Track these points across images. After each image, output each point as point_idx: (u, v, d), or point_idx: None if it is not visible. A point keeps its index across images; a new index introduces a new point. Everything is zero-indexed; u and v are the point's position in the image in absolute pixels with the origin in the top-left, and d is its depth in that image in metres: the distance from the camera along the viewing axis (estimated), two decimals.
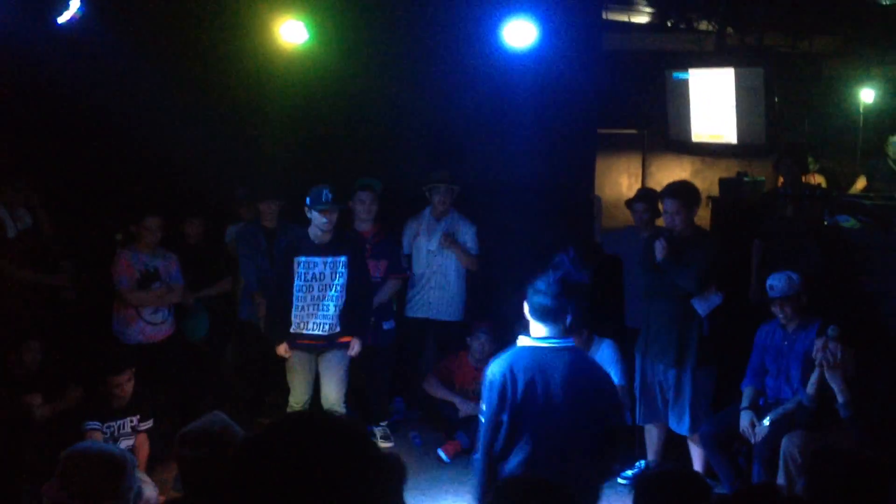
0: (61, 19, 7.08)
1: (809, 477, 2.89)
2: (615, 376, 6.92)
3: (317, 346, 6.61)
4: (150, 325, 6.91)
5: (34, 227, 7.16)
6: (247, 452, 1.65)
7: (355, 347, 6.67)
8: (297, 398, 6.67)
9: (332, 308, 6.54)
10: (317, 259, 6.49)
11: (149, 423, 6.24)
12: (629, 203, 7.47)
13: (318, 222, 6.41)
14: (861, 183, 9.44)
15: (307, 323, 6.55)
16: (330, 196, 6.36)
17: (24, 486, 5.34)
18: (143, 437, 6.23)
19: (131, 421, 6.16)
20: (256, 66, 7.93)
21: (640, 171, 11.27)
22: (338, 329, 6.57)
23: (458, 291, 7.69)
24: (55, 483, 2.78)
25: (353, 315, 6.63)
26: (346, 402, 6.76)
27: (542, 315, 4.24)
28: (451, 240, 7.54)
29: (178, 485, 3.28)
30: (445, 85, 7.73)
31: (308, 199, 6.42)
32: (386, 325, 7.36)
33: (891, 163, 9.12)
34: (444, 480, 6.64)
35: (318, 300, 6.53)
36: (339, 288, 6.54)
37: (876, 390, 5.57)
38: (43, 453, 5.52)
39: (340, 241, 6.57)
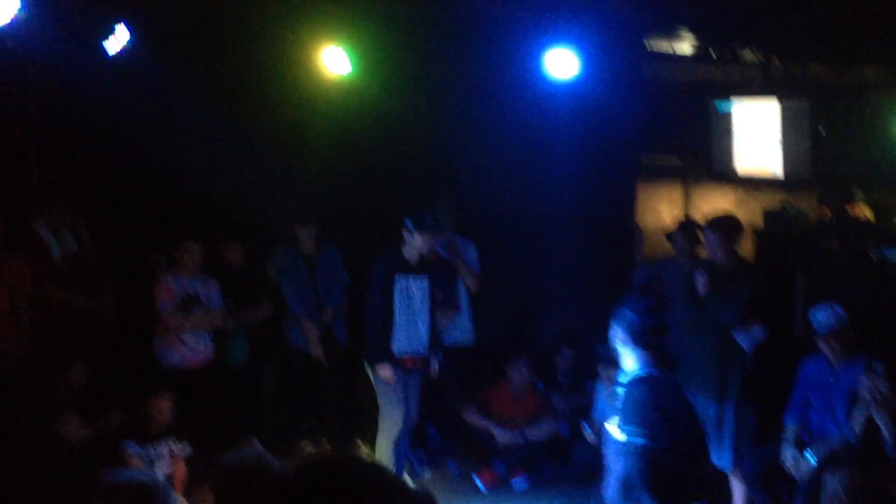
0: (111, 50, 7.20)
1: None
2: None
3: (411, 367, 6.67)
4: (191, 350, 6.95)
5: (78, 249, 7.24)
6: (280, 493, 1.63)
7: (435, 367, 6.78)
8: (397, 420, 6.58)
9: (423, 327, 6.64)
10: (411, 278, 6.60)
11: (187, 448, 6.26)
12: (669, 234, 7.41)
13: (419, 244, 6.53)
14: None
15: (405, 343, 6.61)
16: (430, 220, 6.55)
17: None
18: (180, 463, 6.25)
19: (168, 445, 6.18)
20: (300, 94, 8.01)
21: (681, 200, 11.18)
22: (426, 350, 6.70)
23: (467, 314, 7.65)
24: None
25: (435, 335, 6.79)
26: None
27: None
28: (455, 250, 7.49)
29: None
30: (488, 114, 7.75)
31: (408, 221, 6.53)
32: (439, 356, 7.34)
33: None
34: None
35: (411, 322, 6.61)
36: (426, 307, 6.67)
37: None
38: (84, 477, 5.54)
39: (426, 263, 6.72)
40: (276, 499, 1.62)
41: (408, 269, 6.59)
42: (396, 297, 6.55)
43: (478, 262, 7.60)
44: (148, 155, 7.72)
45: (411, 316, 6.61)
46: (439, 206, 7.52)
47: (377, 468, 1.71)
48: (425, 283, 6.66)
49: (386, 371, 6.49)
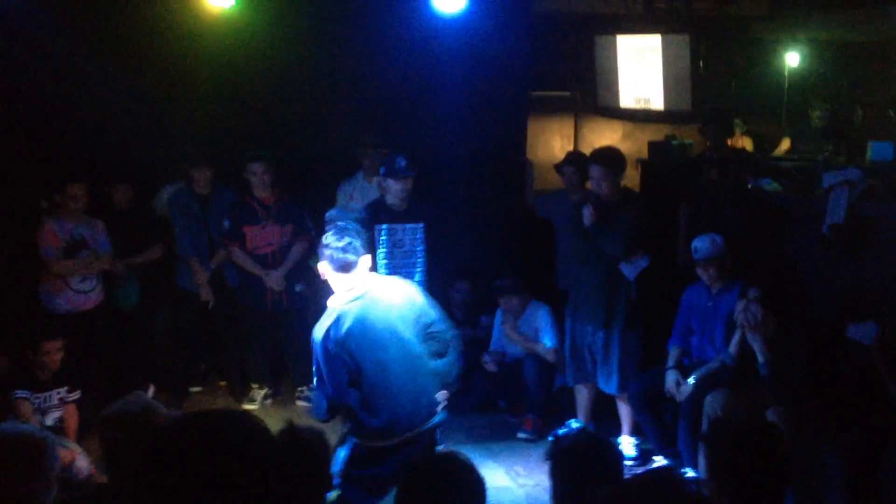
0: None
1: (706, 448, 2.99)
2: (550, 339, 7.06)
3: None
4: (79, 294, 6.83)
5: None
6: (163, 442, 1.68)
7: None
8: None
9: (416, 276, 6.55)
10: (396, 226, 6.51)
11: (76, 395, 6.19)
12: (558, 167, 7.55)
13: (394, 190, 6.43)
14: (786, 145, 9.65)
15: None
16: (404, 163, 6.40)
17: None
18: (72, 408, 6.17)
19: (59, 392, 6.10)
20: (183, 29, 7.78)
21: (572, 134, 11.35)
22: None
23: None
24: None
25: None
26: None
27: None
28: None
29: (103, 463, 3.27)
30: (375, 50, 7.69)
31: (382, 168, 6.45)
32: (298, 288, 7.36)
33: (813, 125, 9.31)
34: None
35: (400, 268, 6.50)
36: (421, 254, 6.59)
37: (795, 350, 5.75)
38: None
39: (417, 209, 6.61)
40: (154, 449, 1.65)
41: (393, 216, 6.52)
42: (381, 246, 6.48)
43: None
44: (27, 97, 7.44)
45: (400, 263, 6.52)
46: (372, 142, 7.53)
47: (252, 420, 1.75)
48: (419, 229, 6.59)
49: None
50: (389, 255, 6.52)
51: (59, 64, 7.36)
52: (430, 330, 4.82)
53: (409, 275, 6.42)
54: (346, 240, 4.63)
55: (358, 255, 4.66)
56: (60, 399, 6.12)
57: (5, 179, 7.48)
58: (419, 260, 6.65)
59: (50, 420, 6.05)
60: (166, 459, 1.63)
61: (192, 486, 1.59)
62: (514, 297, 7.16)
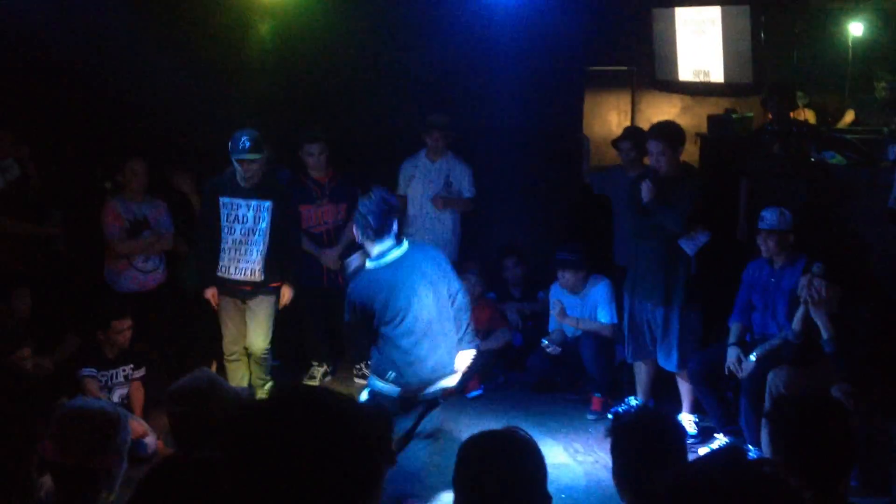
0: None
1: (770, 425, 2.95)
2: (608, 315, 7.03)
3: (242, 292, 6.61)
4: (142, 274, 6.95)
5: (23, 177, 7.14)
6: (242, 423, 1.75)
7: (286, 296, 6.73)
8: (227, 346, 6.69)
9: (255, 253, 6.51)
10: (240, 201, 6.47)
11: (142, 372, 6.33)
12: (615, 142, 7.48)
13: (237, 171, 6.40)
14: (849, 117, 9.43)
15: (229, 268, 6.53)
16: (248, 144, 6.28)
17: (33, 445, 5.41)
18: (137, 385, 6.32)
19: (124, 370, 6.24)
20: (242, 9, 7.86)
21: (629, 109, 11.22)
22: (262, 276, 6.55)
23: (454, 233, 7.76)
24: (50, 443, 2.84)
25: (279, 262, 6.61)
26: (270, 350, 6.82)
27: None
28: (444, 200, 7.58)
29: (171, 439, 3.35)
30: (431, 28, 7.68)
31: (229, 145, 6.36)
32: (352, 266, 7.36)
33: (878, 97, 9.10)
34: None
35: (241, 244, 6.50)
36: (261, 233, 6.50)
37: (859, 326, 5.64)
38: (46, 404, 5.57)
39: (268, 187, 6.54)
40: (241, 427, 1.72)
41: (238, 191, 6.48)
42: (221, 220, 6.49)
43: (472, 183, 7.71)
44: (90, 80, 7.55)
45: (240, 238, 6.52)
46: (436, 121, 7.53)
47: (340, 397, 1.81)
48: (264, 206, 6.52)
49: (208, 294, 6.68)
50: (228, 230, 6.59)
51: (120, 46, 7.45)
52: (454, 299, 5.15)
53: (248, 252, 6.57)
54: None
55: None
56: (126, 376, 6.26)
57: (71, 161, 7.64)
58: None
59: (116, 397, 6.19)
60: (272, 432, 1.69)
61: (296, 459, 1.66)
62: (571, 270, 7.10)
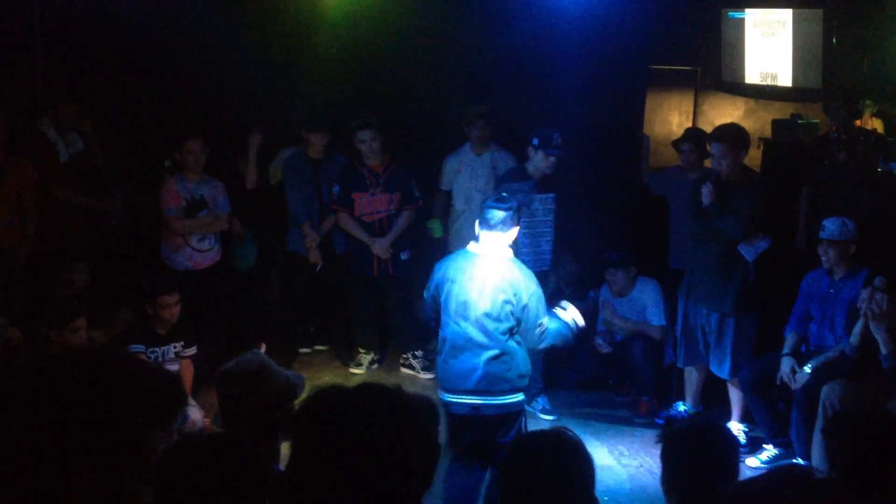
0: None
1: (827, 441, 2.89)
2: (658, 316, 6.93)
3: None
4: (198, 252, 7.00)
5: (85, 151, 7.23)
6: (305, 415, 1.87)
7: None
8: None
9: (544, 245, 6.67)
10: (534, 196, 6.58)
11: (192, 350, 6.37)
12: (676, 143, 7.37)
13: (542, 163, 6.52)
14: None
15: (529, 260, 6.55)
16: (560, 140, 6.48)
17: None
18: (186, 363, 6.36)
19: (175, 347, 6.29)
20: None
21: (691, 109, 11.08)
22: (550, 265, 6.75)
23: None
24: None
25: None
26: None
27: None
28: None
29: (219, 419, 3.36)
30: (494, 21, 7.64)
31: (535, 139, 6.51)
32: (403, 256, 7.39)
33: None
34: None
35: (530, 237, 6.55)
36: (550, 224, 6.68)
37: None
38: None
39: (549, 179, 6.67)
40: (332, 414, 1.82)
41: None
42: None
43: None
44: (158, 58, 7.63)
45: (532, 231, 6.58)
46: (478, 112, 7.48)
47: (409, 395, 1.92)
48: (550, 198, 6.65)
49: None
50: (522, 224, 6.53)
51: (188, 22, 7.52)
52: (515, 315, 4.92)
53: (536, 244, 6.55)
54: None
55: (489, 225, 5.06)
56: (176, 353, 6.31)
57: (132, 138, 7.73)
58: (547, 230, 6.67)
59: None
60: (346, 424, 1.79)
61: (371, 448, 1.77)
62: (620, 269, 7.02)
